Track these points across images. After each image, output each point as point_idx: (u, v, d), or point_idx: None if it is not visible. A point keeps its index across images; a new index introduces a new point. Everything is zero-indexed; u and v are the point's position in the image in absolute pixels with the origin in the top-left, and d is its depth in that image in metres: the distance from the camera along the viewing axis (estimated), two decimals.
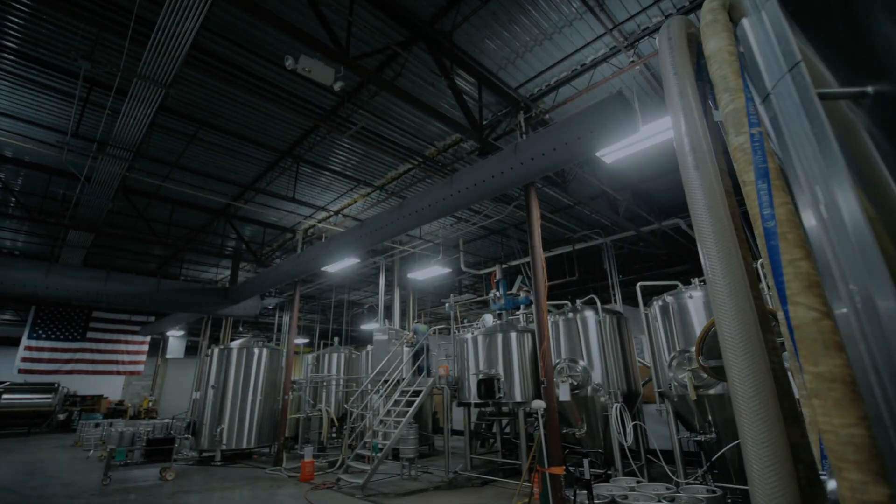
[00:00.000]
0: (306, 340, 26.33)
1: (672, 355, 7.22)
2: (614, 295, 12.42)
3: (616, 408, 7.78)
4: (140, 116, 6.94)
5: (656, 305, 7.77)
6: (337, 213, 12.38)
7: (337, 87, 5.19)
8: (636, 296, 8.31)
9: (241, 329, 24.79)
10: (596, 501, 4.87)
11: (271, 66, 7.15)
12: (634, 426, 7.98)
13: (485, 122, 7.90)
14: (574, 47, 6.94)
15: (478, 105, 7.03)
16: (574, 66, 7.35)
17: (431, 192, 6.74)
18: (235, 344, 13.35)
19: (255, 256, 13.81)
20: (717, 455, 6.49)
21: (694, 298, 7.24)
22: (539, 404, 6.43)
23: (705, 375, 6.16)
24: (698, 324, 7.12)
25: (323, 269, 11.41)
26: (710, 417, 6.83)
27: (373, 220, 7.86)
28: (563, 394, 7.78)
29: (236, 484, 9.27)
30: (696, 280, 7.60)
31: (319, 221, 12.91)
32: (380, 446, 8.81)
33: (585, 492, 4.92)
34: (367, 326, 22.53)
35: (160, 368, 25.37)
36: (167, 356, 24.20)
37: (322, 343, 17.79)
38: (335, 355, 16.19)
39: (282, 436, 11.71)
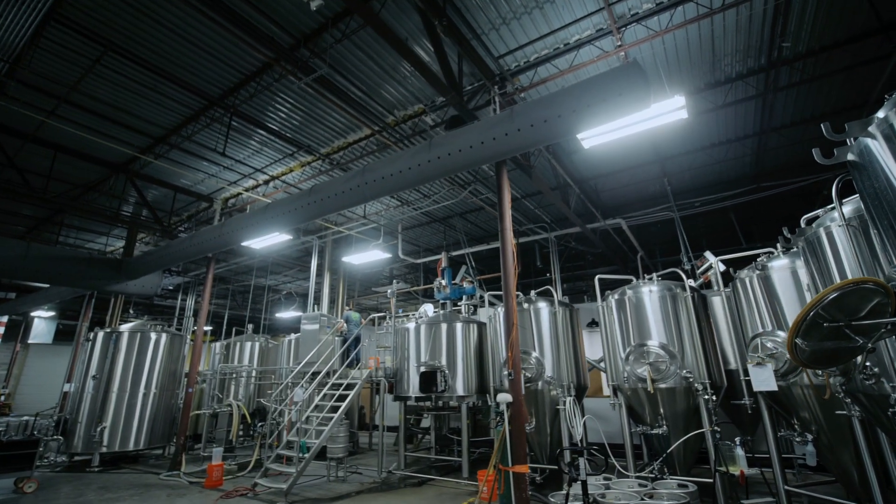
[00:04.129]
0: (210, 328, 23.64)
1: (629, 349, 7.17)
2: (556, 290, 12.42)
3: (569, 401, 7.59)
4: (22, 18, 5.28)
5: (612, 299, 7.71)
6: (268, 181, 10.91)
7: (314, 5, 4.23)
8: (569, 293, 8.22)
9: (131, 312, 21.44)
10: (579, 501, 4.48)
11: None
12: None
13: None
14: (562, 22, 6.57)
15: (458, 64, 6.36)
16: (558, 45, 6.99)
17: (403, 156, 5.90)
18: (126, 327, 11.26)
19: (161, 225, 11.75)
20: (672, 448, 6.52)
21: (652, 293, 7.26)
22: (505, 397, 5.96)
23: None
24: (653, 319, 7.14)
25: (248, 244, 9.93)
26: (661, 411, 6.87)
27: (325, 186, 6.79)
28: None
29: (121, 494, 7.63)
30: (655, 274, 7.69)
31: (245, 190, 11.31)
32: (308, 445, 7.78)
33: (567, 492, 4.50)
34: (284, 314, 20.80)
35: (19, 356, 21.13)
36: (30, 341, 20.23)
37: (233, 331, 15.88)
38: (248, 344, 14.61)
39: (182, 435, 10.05)
